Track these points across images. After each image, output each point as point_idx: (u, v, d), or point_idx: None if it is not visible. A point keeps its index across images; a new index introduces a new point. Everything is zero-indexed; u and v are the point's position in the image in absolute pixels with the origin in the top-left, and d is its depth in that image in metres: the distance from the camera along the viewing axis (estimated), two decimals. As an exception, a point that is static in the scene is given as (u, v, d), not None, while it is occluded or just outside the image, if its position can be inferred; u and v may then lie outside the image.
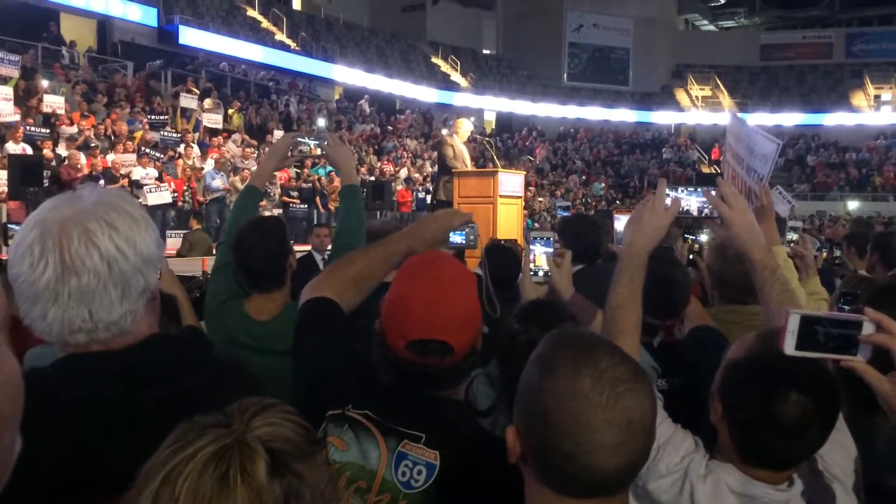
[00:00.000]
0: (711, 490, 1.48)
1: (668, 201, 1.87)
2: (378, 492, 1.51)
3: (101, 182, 13.87)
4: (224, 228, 3.14)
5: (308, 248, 7.82)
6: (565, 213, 8.55)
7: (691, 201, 1.91)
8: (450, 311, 1.54)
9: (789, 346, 1.35)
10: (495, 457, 1.38)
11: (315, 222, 16.17)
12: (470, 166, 9.70)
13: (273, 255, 2.69)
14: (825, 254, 5.78)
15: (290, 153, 2.98)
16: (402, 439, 1.53)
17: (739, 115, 5.46)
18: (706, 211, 1.91)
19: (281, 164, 3.13)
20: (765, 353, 1.47)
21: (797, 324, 1.35)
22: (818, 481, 1.53)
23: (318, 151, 2.97)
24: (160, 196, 14.51)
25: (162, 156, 16.18)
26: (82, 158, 13.99)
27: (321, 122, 24.17)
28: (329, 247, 5.72)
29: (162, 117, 18.20)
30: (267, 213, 12.46)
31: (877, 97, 38.12)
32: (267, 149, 18.10)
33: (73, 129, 15.50)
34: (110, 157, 14.94)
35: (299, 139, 2.96)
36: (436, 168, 13.01)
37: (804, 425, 1.42)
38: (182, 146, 16.95)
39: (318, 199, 18.31)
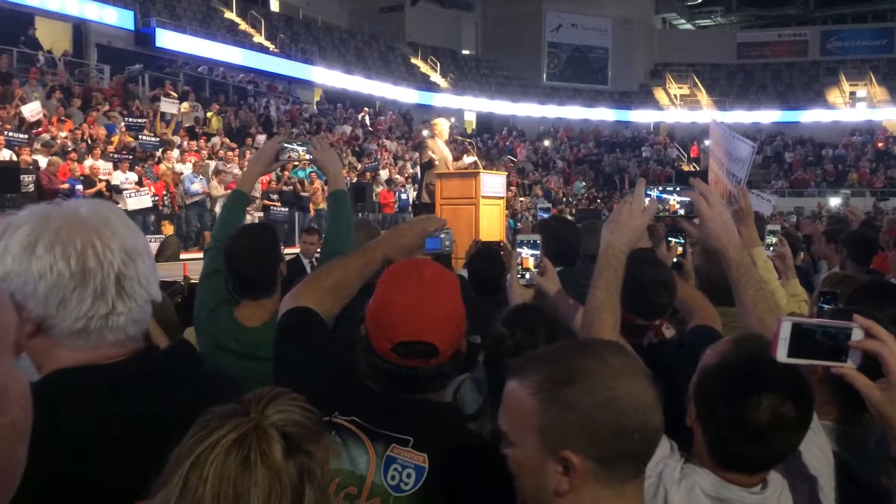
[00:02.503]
0: (685, 494, 1.49)
1: (646, 202, 1.89)
2: (368, 496, 1.52)
3: (80, 188, 13.76)
4: (213, 233, 3.13)
5: (291, 250, 7.81)
6: (545, 215, 8.53)
7: (670, 201, 1.94)
8: (434, 313, 1.55)
9: (781, 354, 1.37)
10: (483, 458, 1.39)
11: (298, 225, 16.15)
12: (451, 167, 9.70)
13: (264, 263, 2.68)
14: (804, 255, 5.83)
15: (277, 158, 2.99)
16: (391, 443, 1.54)
17: (718, 119, 5.57)
18: (682, 211, 1.94)
19: (267, 169, 3.13)
20: (738, 359, 1.48)
21: (789, 331, 1.37)
22: (793, 483, 1.54)
23: (307, 156, 2.97)
24: (140, 201, 14.38)
25: (141, 161, 16.03)
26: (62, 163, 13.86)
27: None
28: (318, 251, 5.71)
29: (139, 120, 18.03)
30: (249, 218, 12.43)
31: (852, 94, 38.60)
32: (248, 152, 18.07)
33: (47, 136, 15.30)
34: (88, 162, 14.78)
35: (286, 144, 2.96)
36: (417, 170, 13.00)
37: (776, 430, 1.43)
38: (161, 150, 16.81)
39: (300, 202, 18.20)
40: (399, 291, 1.58)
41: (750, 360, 1.45)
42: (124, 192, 14.38)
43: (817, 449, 1.60)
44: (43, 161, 13.88)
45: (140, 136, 16.85)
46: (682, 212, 1.94)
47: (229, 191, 14.44)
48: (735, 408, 1.45)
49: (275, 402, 1.10)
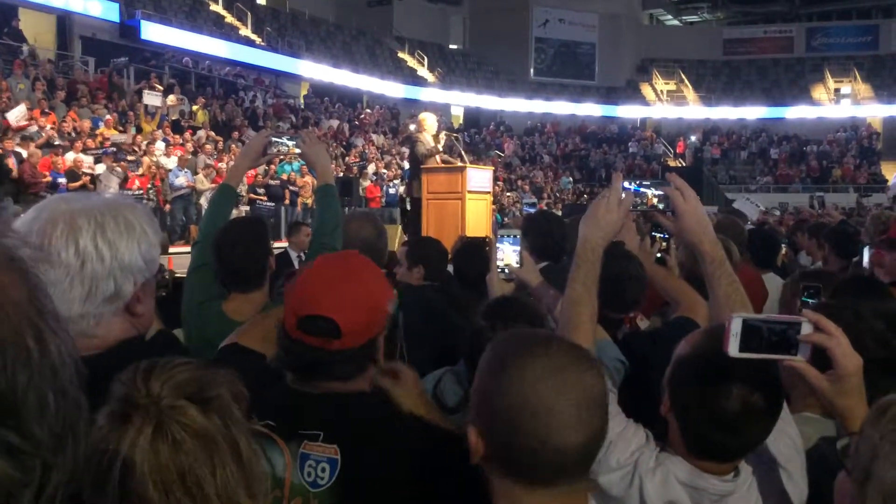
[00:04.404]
0: (661, 482, 1.52)
1: (623, 196, 1.92)
2: (290, 497, 1.53)
3: (63, 181, 13.67)
4: (200, 227, 3.13)
5: (278, 244, 7.79)
6: (531, 210, 8.56)
7: (647, 194, 1.97)
8: (342, 291, 1.55)
9: (733, 349, 1.40)
10: (394, 443, 1.41)
11: (285, 220, 16.08)
12: (439, 161, 9.68)
13: (254, 256, 2.68)
14: (786, 250, 5.89)
15: (265, 152, 3.00)
16: (303, 440, 1.55)
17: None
18: (661, 205, 1.98)
19: (256, 163, 3.13)
20: (710, 349, 1.50)
21: (740, 327, 1.41)
22: (763, 470, 1.58)
23: (296, 151, 2.97)
24: (108, 179, 14.29)
25: (126, 155, 15.87)
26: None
27: None
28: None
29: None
30: (235, 212, 12.39)
31: (836, 90, 38.81)
32: (234, 146, 17.97)
33: (34, 128, 15.13)
34: (70, 155, 14.64)
35: (275, 138, 2.96)
36: (405, 164, 12.96)
37: (747, 419, 1.46)
38: (145, 144, 16.66)
39: (287, 196, 18.11)
40: (317, 271, 1.62)
41: (721, 351, 1.48)
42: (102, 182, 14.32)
43: (787, 438, 1.63)
44: (24, 153, 13.75)
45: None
46: (661, 206, 1.98)
47: (215, 185, 14.39)
48: (707, 397, 1.47)
49: (153, 377, 1.06)
